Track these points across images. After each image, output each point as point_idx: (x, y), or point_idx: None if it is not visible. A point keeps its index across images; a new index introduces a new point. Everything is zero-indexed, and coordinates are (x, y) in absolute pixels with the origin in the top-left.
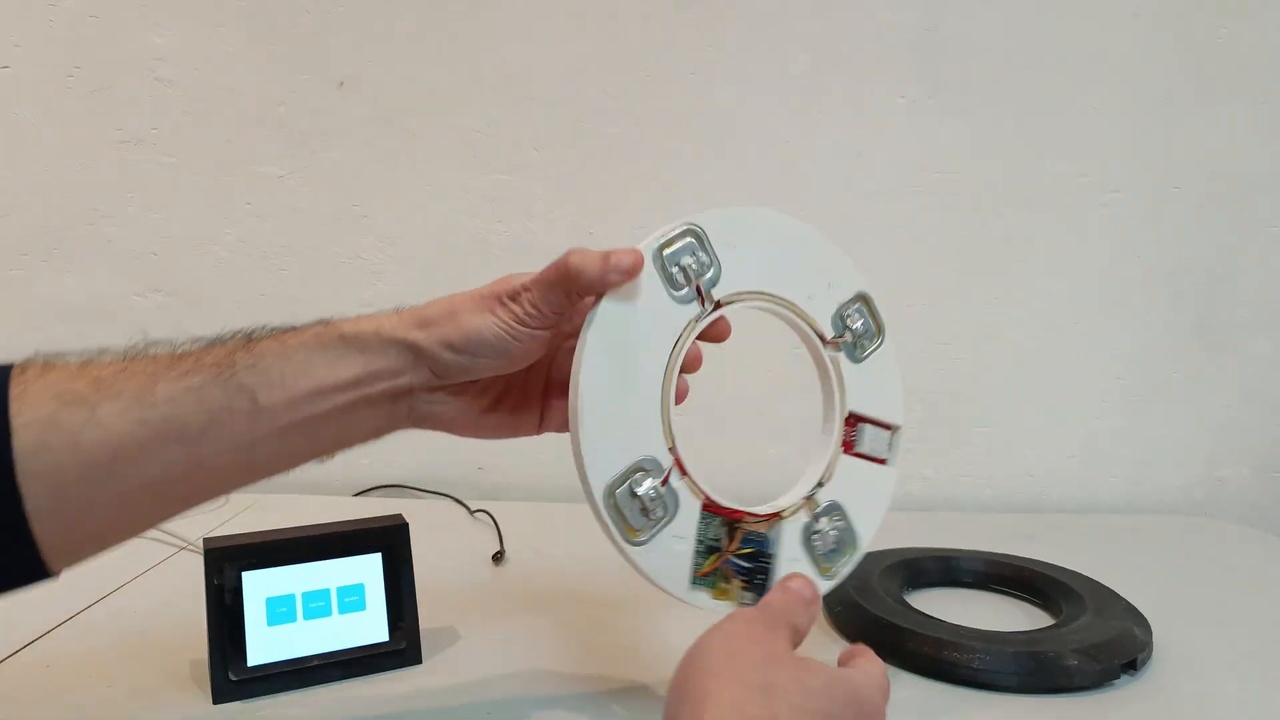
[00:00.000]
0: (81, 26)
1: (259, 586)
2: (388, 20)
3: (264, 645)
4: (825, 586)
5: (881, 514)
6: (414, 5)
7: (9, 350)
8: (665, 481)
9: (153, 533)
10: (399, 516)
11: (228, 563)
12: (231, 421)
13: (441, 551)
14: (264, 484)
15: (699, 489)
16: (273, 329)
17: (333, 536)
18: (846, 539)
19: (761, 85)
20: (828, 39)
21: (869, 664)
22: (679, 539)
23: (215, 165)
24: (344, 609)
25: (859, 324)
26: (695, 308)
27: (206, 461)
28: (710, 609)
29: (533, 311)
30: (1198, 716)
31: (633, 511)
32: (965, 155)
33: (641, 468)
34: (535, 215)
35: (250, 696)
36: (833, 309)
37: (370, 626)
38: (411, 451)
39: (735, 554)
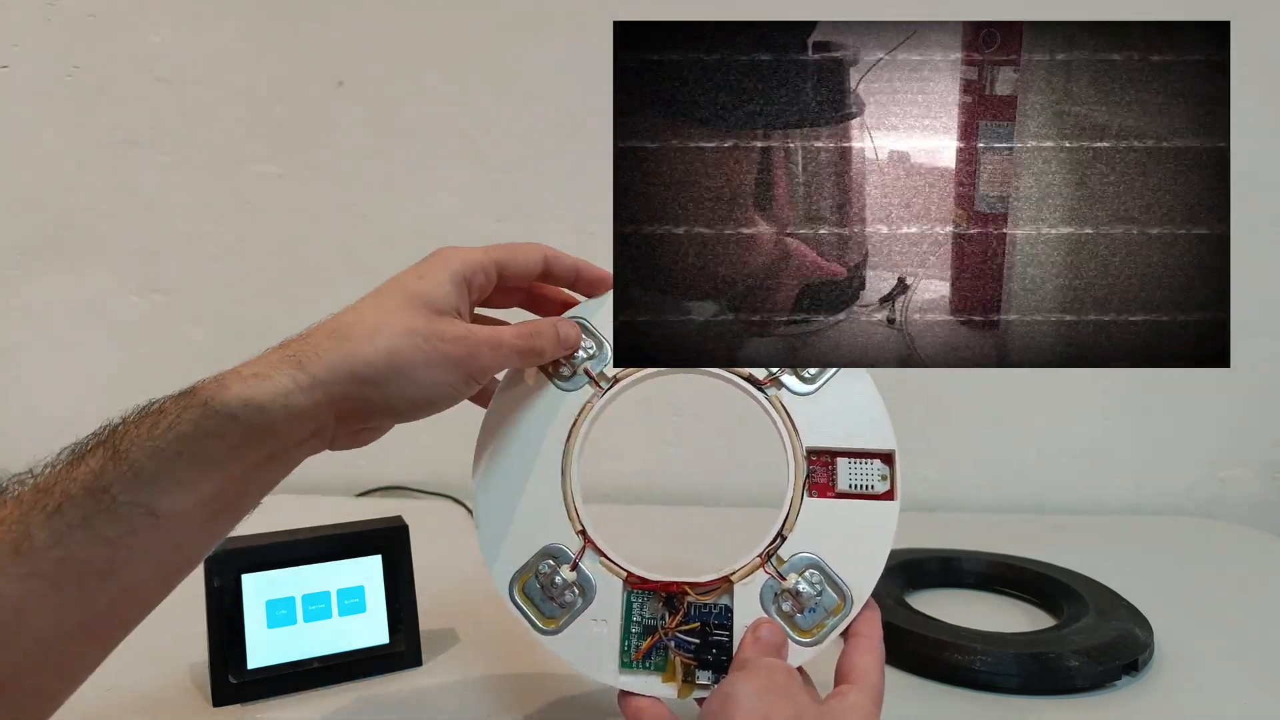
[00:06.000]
0: (80, 26)
1: (259, 589)
2: (387, 19)
3: (264, 648)
4: (807, 654)
5: (880, 556)
6: (414, 4)
7: (7, 350)
8: (574, 566)
9: None
10: (399, 518)
11: (227, 565)
12: (139, 543)
13: (442, 553)
14: None
15: (618, 567)
16: (135, 415)
17: (332, 538)
18: (829, 595)
19: None
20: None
21: (857, 694)
22: (600, 622)
23: (214, 164)
24: (344, 611)
25: None
26: (588, 391)
27: (134, 586)
28: (660, 694)
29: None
30: (1199, 718)
31: (543, 601)
32: None
33: (548, 555)
34: (535, 215)
35: (250, 699)
36: None
37: (370, 629)
38: (412, 451)
39: (680, 631)
